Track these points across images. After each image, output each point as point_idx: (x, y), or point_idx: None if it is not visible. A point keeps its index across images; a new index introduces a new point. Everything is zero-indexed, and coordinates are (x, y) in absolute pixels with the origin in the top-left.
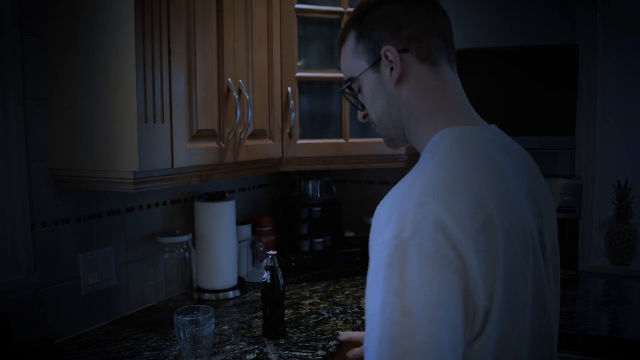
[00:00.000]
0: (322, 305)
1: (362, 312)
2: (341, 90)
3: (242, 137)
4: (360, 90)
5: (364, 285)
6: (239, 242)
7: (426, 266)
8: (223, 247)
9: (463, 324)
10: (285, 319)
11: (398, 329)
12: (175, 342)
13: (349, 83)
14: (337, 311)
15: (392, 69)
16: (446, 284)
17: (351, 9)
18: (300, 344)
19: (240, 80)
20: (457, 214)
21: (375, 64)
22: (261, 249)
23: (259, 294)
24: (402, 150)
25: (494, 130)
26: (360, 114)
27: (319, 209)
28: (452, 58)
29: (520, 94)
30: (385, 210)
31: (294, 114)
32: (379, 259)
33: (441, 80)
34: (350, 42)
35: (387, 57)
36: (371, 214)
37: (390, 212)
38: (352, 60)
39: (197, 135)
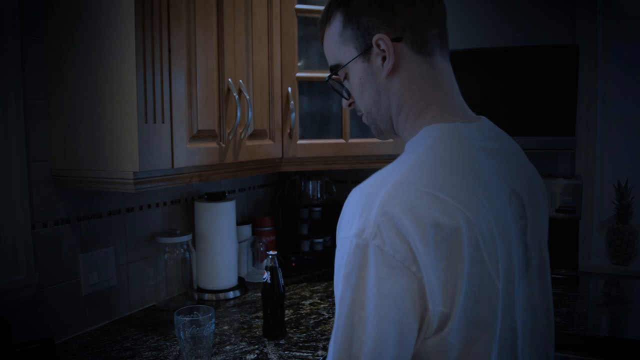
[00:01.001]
0: (322, 305)
1: None
2: (327, 77)
3: (242, 137)
4: (347, 77)
5: None
6: (239, 242)
7: (383, 267)
8: (223, 247)
9: (416, 323)
10: (285, 319)
11: (355, 318)
12: (175, 342)
13: (336, 70)
14: None
15: (384, 59)
16: (400, 286)
17: None
18: (300, 344)
19: (240, 80)
20: (422, 221)
21: (365, 52)
22: (261, 249)
23: (259, 294)
24: (401, 151)
25: (482, 126)
26: (345, 102)
27: (319, 209)
28: (445, 46)
29: (520, 94)
30: (353, 203)
31: (294, 114)
32: (341, 253)
33: (434, 72)
34: (336, 24)
35: (378, 46)
36: None
37: (357, 206)
38: (338, 46)
39: (197, 135)
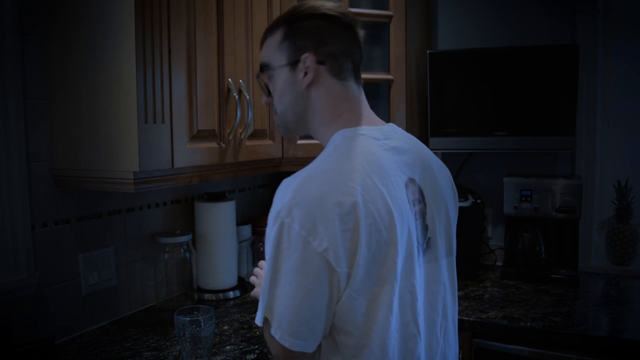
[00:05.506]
0: None
1: None
2: (257, 74)
3: (242, 137)
4: (270, 78)
5: None
6: (239, 242)
7: (290, 240)
8: (223, 247)
9: (324, 289)
10: None
11: (269, 278)
12: (175, 342)
13: (265, 69)
14: None
15: (305, 74)
16: (303, 257)
17: (350, 9)
18: None
19: (240, 80)
20: (328, 201)
21: (293, 64)
22: (261, 249)
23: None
24: None
25: (386, 129)
26: (264, 99)
27: None
28: (358, 78)
29: (520, 94)
30: (278, 193)
31: None
32: (267, 231)
33: (345, 92)
34: (277, 36)
35: (304, 62)
36: None
37: (280, 193)
38: (274, 52)
39: (197, 135)
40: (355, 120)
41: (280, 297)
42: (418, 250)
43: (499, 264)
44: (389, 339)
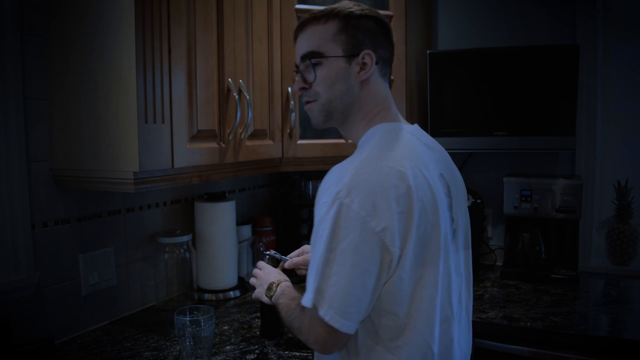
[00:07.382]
0: None
1: None
2: (309, 59)
3: (242, 137)
4: (317, 66)
5: None
6: (239, 242)
7: (349, 221)
8: (223, 247)
9: (374, 269)
10: None
11: (322, 259)
12: (175, 342)
13: (316, 57)
14: None
15: (361, 69)
16: (361, 237)
17: None
18: (300, 344)
19: (240, 80)
20: (384, 184)
21: (349, 57)
22: (261, 249)
23: None
24: None
25: (415, 127)
26: (301, 85)
27: None
28: (390, 79)
29: (520, 94)
30: (331, 178)
31: (294, 114)
32: (321, 213)
33: (386, 92)
34: (332, 26)
35: (363, 58)
36: None
37: (333, 179)
38: (327, 41)
39: (197, 135)
40: (391, 117)
41: (334, 276)
42: (455, 238)
43: (499, 264)
44: (435, 317)
